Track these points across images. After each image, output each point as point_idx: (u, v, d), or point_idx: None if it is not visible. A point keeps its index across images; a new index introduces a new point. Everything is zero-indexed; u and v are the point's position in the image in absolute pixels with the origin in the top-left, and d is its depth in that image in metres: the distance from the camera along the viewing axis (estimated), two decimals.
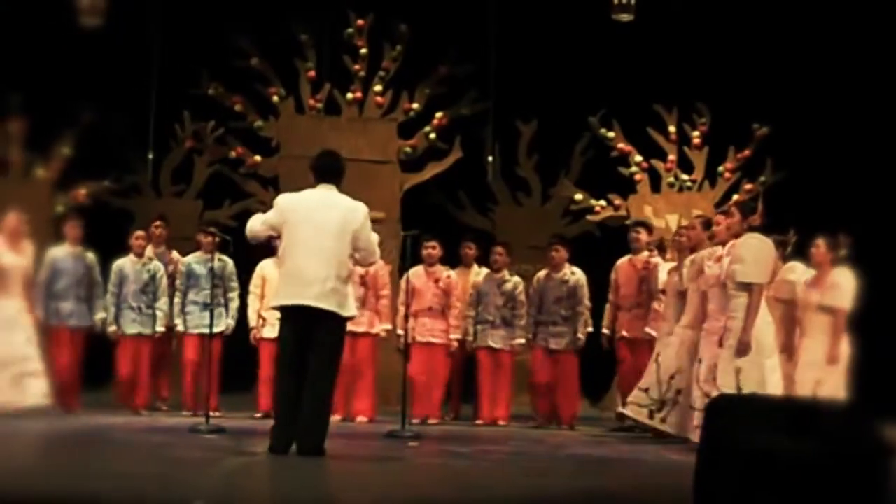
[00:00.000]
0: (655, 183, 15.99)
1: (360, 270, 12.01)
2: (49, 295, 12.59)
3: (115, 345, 13.01)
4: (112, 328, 12.92)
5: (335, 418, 10.36)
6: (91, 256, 12.89)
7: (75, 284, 12.70)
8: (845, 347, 10.54)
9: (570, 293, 12.83)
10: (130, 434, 10.73)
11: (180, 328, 13.11)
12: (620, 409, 11.63)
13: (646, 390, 11.18)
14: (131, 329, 12.95)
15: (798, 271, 10.86)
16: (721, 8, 14.70)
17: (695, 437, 9.91)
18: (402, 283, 12.58)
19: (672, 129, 15.91)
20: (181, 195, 16.18)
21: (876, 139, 14.12)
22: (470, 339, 13.06)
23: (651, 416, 11.07)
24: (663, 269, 12.26)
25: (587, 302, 12.85)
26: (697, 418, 9.99)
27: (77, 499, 6.29)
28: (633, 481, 8.48)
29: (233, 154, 15.96)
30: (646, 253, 12.80)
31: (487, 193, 16.61)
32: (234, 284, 13.09)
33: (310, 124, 15.77)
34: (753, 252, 9.95)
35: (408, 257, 12.09)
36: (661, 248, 12.88)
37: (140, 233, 13.22)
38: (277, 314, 9.16)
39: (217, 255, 12.63)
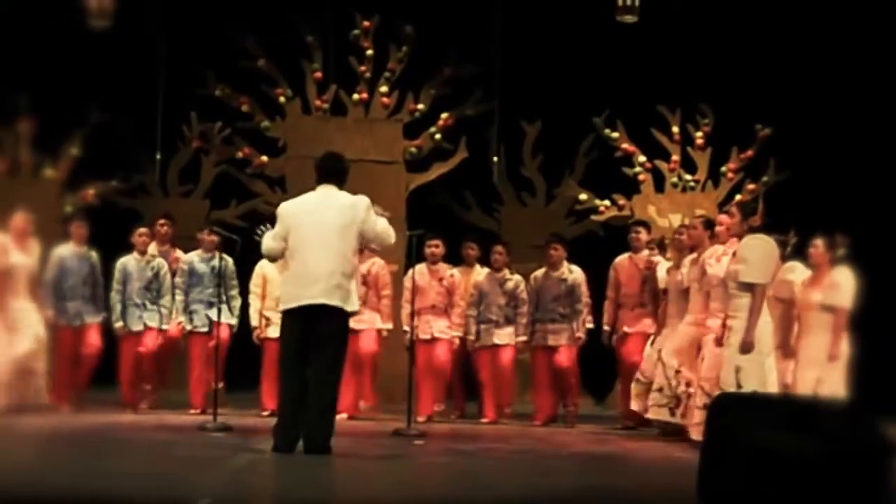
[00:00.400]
0: (659, 183, 16.01)
1: (361, 269, 12.12)
2: (56, 294, 12.64)
3: (120, 342, 13.04)
4: (119, 325, 12.95)
5: (340, 416, 10.38)
6: (94, 255, 12.94)
7: (81, 284, 12.76)
8: (845, 346, 10.58)
9: (568, 291, 12.87)
10: (137, 432, 10.77)
11: (186, 326, 13.12)
12: (646, 415, 11.55)
13: (660, 390, 11.18)
14: (137, 325, 12.98)
15: (797, 271, 10.91)
16: (724, 10, 14.71)
17: (696, 434, 10.04)
18: (406, 282, 12.66)
19: (675, 129, 15.91)
20: (188, 195, 16.16)
21: (876, 140, 14.15)
22: (472, 338, 13.09)
23: (672, 414, 11.05)
24: (661, 267, 12.31)
25: (586, 299, 12.89)
26: (697, 416, 10.11)
27: (84, 497, 6.36)
28: (637, 479, 8.59)
29: (240, 154, 15.94)
30: (646, 252, 12.85)
31: (492, 193, 16.59)
32: (234, 283, 13.09)
33: (316, 125, 15.76)
34: (756, 252, 10.01)
35: (413, 257, 12.18)
36: (662, 247, 12.92)
37: (143, 230, 13.23)
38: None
39: (219, 254, 12.65)
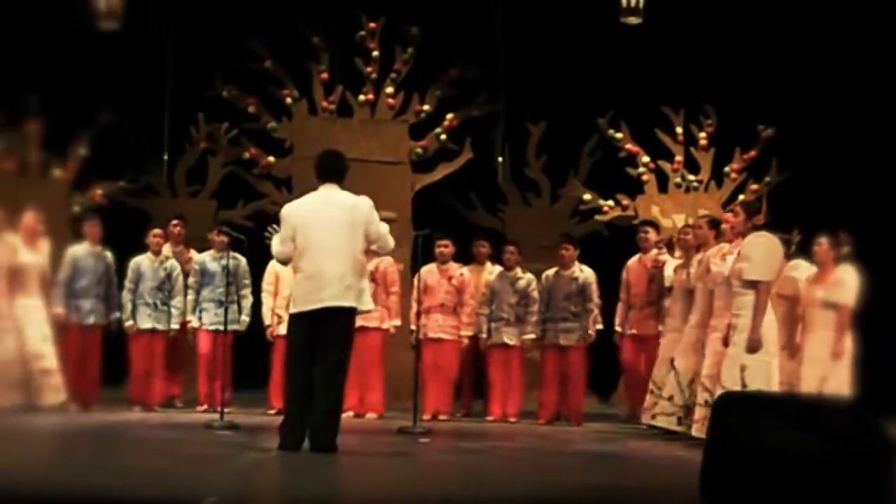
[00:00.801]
0: (663, 183, 16.04)
1: (369, 267, 12.17)
2: (69, 293, 12.68)
3: (130, 341, 13.07)
4: (129, 323, 12.98)
5: (346, 414, 10.40)
6: (109, 255, 12.97)
7: (95, 283, 12.78)
8: (849, 344, 10.58)
9: (579, 290, 12.90)
10: (145, 430, 10.81)
11: (195, 324, 13.17)
12: (652, 422, 11.53)
13: (670, 398, 11.18)
14: (146, 324, 13.02)
15: (801, 268, 10.92)
16: (726, 11, 14.72)
17: (699, 432, 10.08)
18: (415, 281, 12.68)
19: (679, 130, 15.96)
20: (196, 195, 16.20)
21: (879, 139, 14.16)
22: (483, 336, 13.12)
23: (680, 423, 11.04)
24: (669, 265, 12.32)
25: (597, 299, 12.91)
26: (700, 413, 10.13)
27: (92, 494, 6.37)
28: (641, 477, 8.57)
29: (246, 155, 16.00)
30: (654, 251, 12.88)
31: (497, 194, 16.61)
32: (247, 282, 13.14)
33: (322, 126, 15.80)
34: (760, 250, 10.02)
35: (419, 256, 12.20)
36: (671, 247, 12.89)
37: (157, 231, 13.29)
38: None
39: (231, 254, 12.69)
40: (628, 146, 16.07)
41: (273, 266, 12.82)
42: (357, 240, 8.91)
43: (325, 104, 16.00)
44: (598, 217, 16.12)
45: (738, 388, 9.56)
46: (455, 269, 13.19)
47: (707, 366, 10.36)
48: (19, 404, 11.58)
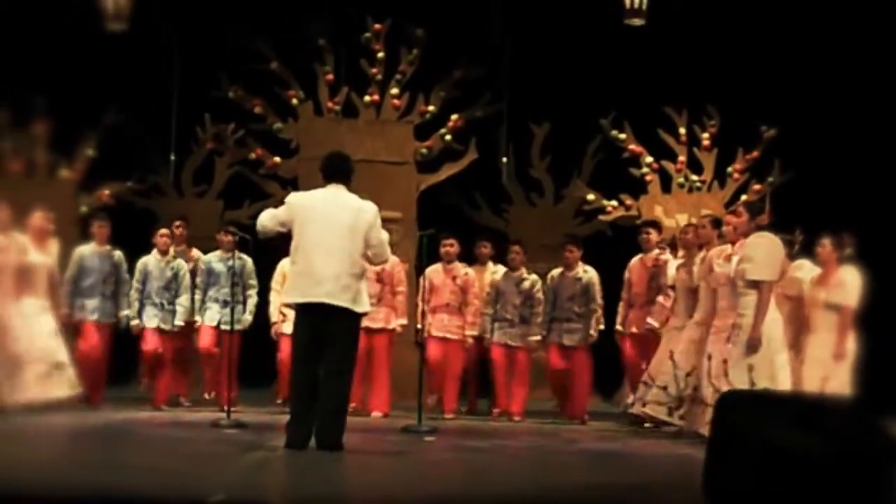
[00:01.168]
0: (666, 183, 16.07)
1: (376, 267, 12.26)
2: (75, 292, 12.75)
3: (138, 339, 13.09)
4: (135, 322, 13.03)
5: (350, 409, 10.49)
6: (118, 255, 13.02)
7: (101, 282, 12.83)
8: (851, 344, 10.61)
9: (583, 290, 12.95)
10: (152, 428, 10.83)
11: (199, 322, 13.20)
12: (643, 410, 11.59)
13: (664, 388, 11.22)
14: (152, 323, 13.07)
15: (805, 269, 10.94)
16: (729, 13, 14.76)
17: (705, 431, 10.15)
18: (420, 280, 12.69)
19: (682, 130, 15.99)
20: (202, 195, 16.23)
21: (881, 139, 14.20)
22: (487, 335, 13.17)
23: (670, 413, 11.10)
24: (672, 265, 12.33)
25: (599, 300, 12.98)
26: (708, 413, 10.20)
27: (99, 492, 6.35)
28: (644, 475, 8.56)
29: (253, 155, 16.03)
30: (656, 251, 12.93)
31: (502, 194, 16.66)
32: (253, 282, 13.17)
33: (328, 126, 15.82)
34: (763, 251, 10.06)
35: (424, 256, 12.24)
36: (673, 247, 12.92)
37: (165, 231, 13.32)
38: None
39: (237, 254, 12.74)
40: (632, 146, 16.11)
41: (282, 266, 12.83)
42: (357, 242, 8.89)
43: (330, 105, 16.01)
44: (601, 217, 16.15)
45: (746, 387, 9.58)
46: (460, 268, 13.23)
47: (713, 366, 10.34)
48: (31, 402, 11.57)
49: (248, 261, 13.07)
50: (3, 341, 11.55)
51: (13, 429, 10.28)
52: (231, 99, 15.92)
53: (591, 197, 16.18)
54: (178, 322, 13.17)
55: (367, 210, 8.99)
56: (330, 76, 16.00)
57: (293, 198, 9.19)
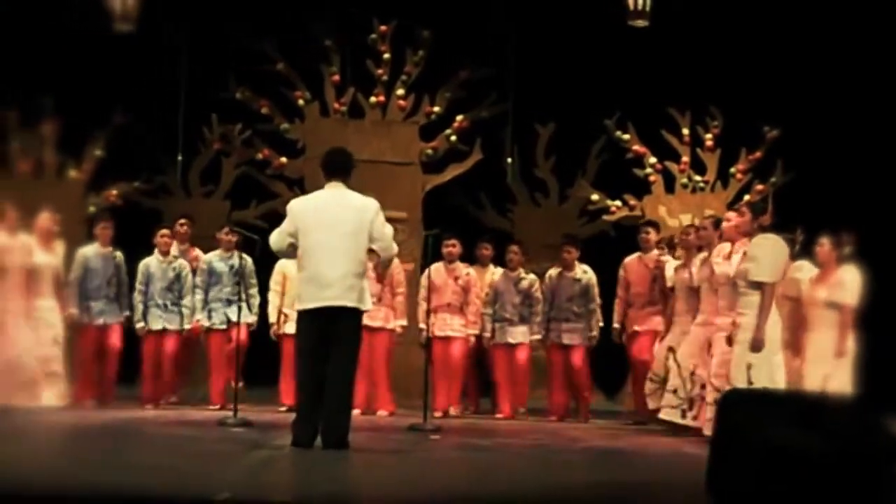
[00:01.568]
0: (669, 184, 16.10)
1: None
2: (81, 294, 12.80)
3: (141, 341, 13.18)
4: (140, 325, 13.09)
5: (355, 413, 10.39)
6: (119, 256, 13.07)
7: (105, 284, 12.90)
8: (851, 343, 10.57)
9: (582, 291, 13.07)
10: (158, 427, 10.85)
11: (205, 324, 13.24)
12: (659, 416, 11.57)
13: (674, 391, 11.26)
14: (157, 324, 13.13)
15: (805, 269, 10.89)
16: (732, 14, 14.78)
17: (708, 430, 10.21)
18: (423, 280, 12.72)
19: (685, 131, 16.01)
20: (210, 196, 16.27)
21: (881, 139, 14.20)
22: (487, 335, 13.24)
23: (684, 416, 11.11)
24: (669, 266, 12.41)
25: (598, 300, 13.12)
26: (710, 412, 10.17)
27: (106, 490, 6.35)
28: (647, 473, 8.59)
29: (259, 156, 16.05)
30: (656, 251, 12.98)
31: (506, 194, 16.69)
32: (254, 282, 13.19)
33: (334, 127, 15.81)
34: (766, 251, 10.07)
35: (429, 256, 12.30)
36: (671, 247, 12.99)
37: (165, 231, 13.37)
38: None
39: (238, 253, 12.78)
40: (635, 147, 16.13)
41: (281, 266, 12.89)
42: (361, 241, 8.92)
43: (336, 106, 16.04)
44: (605, 217, 16.19)
45: (744, 386, 9.60)
46: (462, 268, 13.29)
47: (714, 365, 10.40)
48: (24, 404, 11.63)
49: (249, 260, 13.05)
50: (2, 344, 11.63)
51: (18, 427, 10.32)
52: (238, 99, 15.93)
53: (595, 197, 16.21)
54: (187, 325, 13.22)
55: (369, 207, 9.00)
56: (336, 77, 16.03)
57: (293, 205, 9.19)
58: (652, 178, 16.16)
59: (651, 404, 11.89)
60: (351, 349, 8.95)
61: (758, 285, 10.01)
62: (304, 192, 14.77)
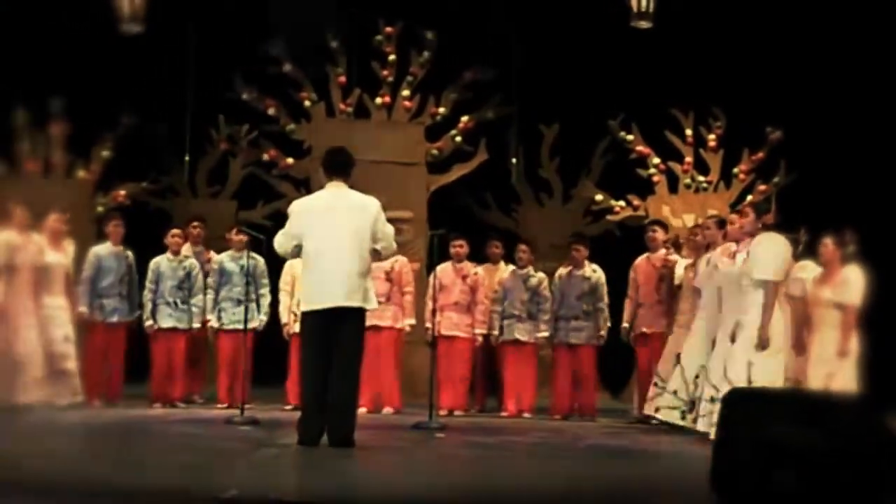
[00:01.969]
0: (673, 184, 16.17)
1: (385, 266, 12.31)
2: (93, 292, 12.82)
3: (151, 340, 13.18)
4: (149, 323, 13.09)
5: (361, 410, 10.48)
6: (130, 255, 13.08)
7: (118, 282, 12.91)
8: (855, 343, 10.52)
9: (591, 290, 13.05)
10: (167, 425, 10.86)
11: (214, 324, 13.24)
12: (655, 416, 11.59)
13: (674, 392, 11.24)
14: (166, 323, 13.14)
15: (808, 269, 10.86)
16: (735, 16, 14.82)
17: (702, 427, 10.21)
18: (430, 279, 12.78)
19: (689, 132, 16.09)
20: (216, 196, 16.36)
21: (884, 139, 14.19)
22: (496, 333, 13.24)
23: (683, 417, 11.09)
24: (680, 265, 12.42)
25: (607, 299, 13.13)
26: (705, 407, 10.18)
27: (114, 487, 6.38)
28: (652, 471, 8.62)
29: (266, 156, 16.15)
30: (663, 251, 12.94)
31: (511, 194, 16.76)
32: (265, 282, 13.19)
33: (340, 127, 15.86)
34: (770, 251, 10.08)
35: (435, 256, 12.31)
36: (677, 246, 12.98)
37: (176, 231, 13.38)
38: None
39: (249, 254, 12.80)
40: (639, 148, 16.21)
41: (290, 266, 12.81)
42: (364, 240, 8.94)
43: (342, 107, 16.12)
44: (609, 217, 16.28)
45: (744, 384, 9.61)
46: (470, 268, 13.29)
47: (715, 363, 10.39)
48: (39, 402, 11.63)
49: (261, 260, 13.07)
50: (11, 341, 11.71)
51: (28, 425, 10.38)
52: (245, 101, 16.02)
53: (599, 197, 16.29)
54: (196, 324, 13.23)
55: (370, 206, 9.02)
56: (342, 78, 16.10)
57: (295, 206, 9.20)
58: (655, 179, 16.23)
59: (648, 409, 11.87)
60: (355, 348, 8.98)
61: (761, 284, 10.03)
62: (309, 192, 14.81)
